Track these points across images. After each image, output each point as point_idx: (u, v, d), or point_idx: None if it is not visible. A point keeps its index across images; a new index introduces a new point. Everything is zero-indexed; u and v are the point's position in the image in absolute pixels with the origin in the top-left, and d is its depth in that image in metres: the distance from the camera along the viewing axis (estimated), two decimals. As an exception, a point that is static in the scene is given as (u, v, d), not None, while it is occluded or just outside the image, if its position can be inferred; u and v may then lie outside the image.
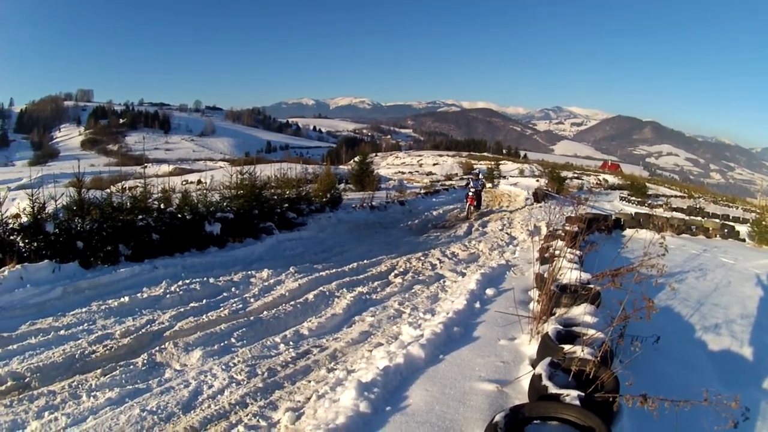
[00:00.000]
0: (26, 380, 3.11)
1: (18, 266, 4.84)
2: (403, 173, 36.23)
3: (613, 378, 2.20)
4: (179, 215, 7.07)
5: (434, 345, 3.30)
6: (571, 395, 2.04)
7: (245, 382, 3.33)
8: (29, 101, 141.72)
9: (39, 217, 5.63)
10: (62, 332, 3.93)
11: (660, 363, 3.14)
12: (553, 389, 2.12)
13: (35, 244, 5.43)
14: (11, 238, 5.35)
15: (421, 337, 3.42)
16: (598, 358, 2.27)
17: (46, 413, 2.78)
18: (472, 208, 11.46)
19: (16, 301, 4.45)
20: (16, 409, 2.80)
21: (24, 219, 5.92)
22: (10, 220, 5.68)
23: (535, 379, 2.27)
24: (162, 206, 7.19)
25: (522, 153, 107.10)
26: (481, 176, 13.91)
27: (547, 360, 2.37)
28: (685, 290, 5.21)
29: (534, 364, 2.75)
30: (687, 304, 4.70)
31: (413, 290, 5.33)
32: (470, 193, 11.51)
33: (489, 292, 4.67)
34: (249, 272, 5.75)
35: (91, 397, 2.99)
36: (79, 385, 3.12)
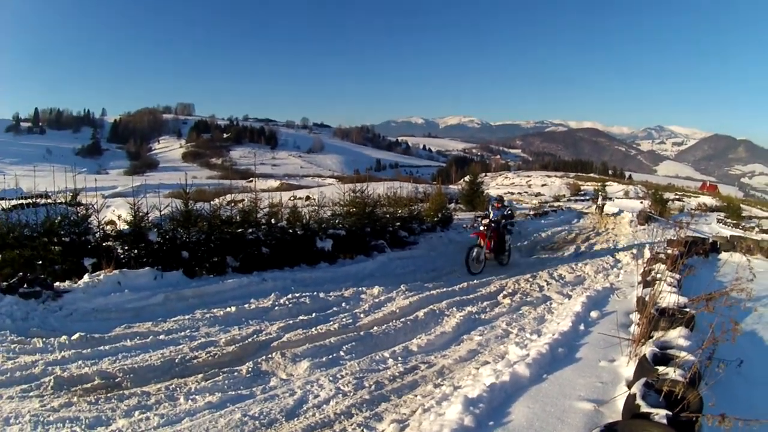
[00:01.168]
0: (116, 380, 5.90)
1: (116, 271, 8.83)
2: (512, 194, 60.61)
3: (698, 398, 4.09)
4: (290, 230, 12.07)
5: (539, 365, 5.86)
6: (660, 414, 3.87)
7: (352, 394, 5.76)
8: (124, 112, 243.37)
9: (141, 225, 10.19)
10: (162, 337, 7.12)
11: (741, 385, 5.35)
12: (644, 408, 3.99)
13: (136, 251, 9.81)
14: (108, 244, 9.77)
15: (526, 357, 6.07)
16: (687, 380, 4.29)
17: (137, 412, 5.26)
18: (485, 252, 13.64)
19: (111, 304, 8.15)
20: (102, 407, 5.38)
21: (121, 226, 10.53)
22: (107, 227, 10.43)
23: (630, 399, 4.26)
24: (272, 221, 12.29)
25: (627, 174, 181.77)
26: (506, 203, 16.78)
27: (642, 380, 4.36)
28: None
29: (630, 385, 4.73)
30: None
31: (521, 311, 9.39)
32: (482, 228, 14.11)
33: (593, 314, 8.25)
34: (360, 288, 10.22)
35: (190, 400, 5.55)
36: (177, 388, 5.80)
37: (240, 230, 11.21)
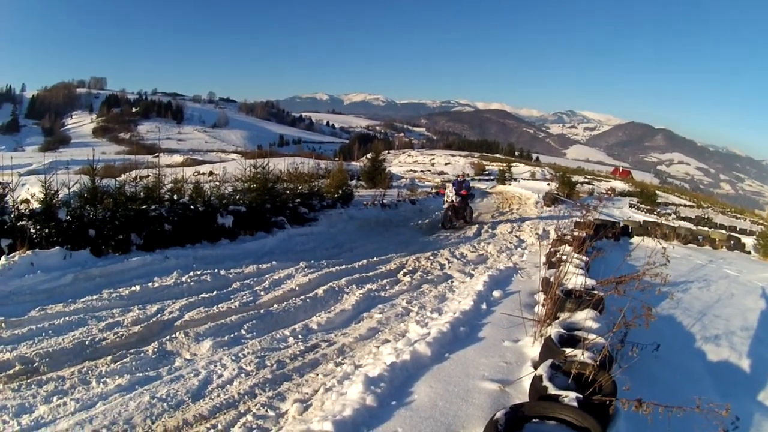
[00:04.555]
0: (35, 365, 5.30)
1: (29, 252, 7.89)
2: (415, 172, 56.33)
3: (611, 382, 3.74)
4: (192, 206, 11.10)
5: (440, 343, 5.53)
6: (570, 397, 3.51)
7: (254, 373, 5.42)
8: (42, 87, 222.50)
9: (51, 203, 9.08)
10: (72, 318, 6.41)
11: (658, 370, 5.16)
12: (552, 390, 3.63)
13: (47, 230, 8.74)
14: (22, 223, 8.65)
15: (427, 336, 5.71)
16: (597, 362, 3.92)
17: (55, 398, 4.76)
18: (450, 215, 16.19)
19: (26, 286, 7.28)
20: (24, 393, 4.84)
21: (35, 205, 9.30)
22: (21, 206, 9.23)
23: (536, 380, 3.86)
24: (175, 197, 11.24)
25: (534, 156, 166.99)
26: (467, 178, 18.38)
27: (549, 362, 4.04)
28: (688, 300, 8.64)
29: (536, 366, 4.45)
30: (689, 314, 7.74)
31: (421, 289, 8.85)
32: (453, 198, 16.35)
33: (496, 294, 7.86)
34: (260, 265, 9.34)
35: (101, 383, 5.04)
36: (89, 371, 5.25)
37: (144, 207, 10.31)
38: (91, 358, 5.63)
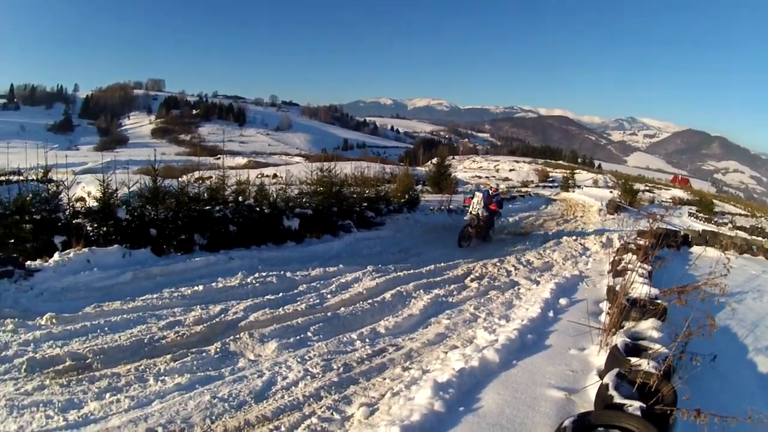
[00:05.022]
0: (87, 361, 5.69)
1: (85, 249, 8.49)
2: (480, 178, 60.47)
3: (672, 392, 4.15)
4: (257, 208, 11.87)
5: (508, 350, 5.91)
6: (634, 406, 3.87)
7: (320, 376, 5.72)
8: (95, 88, 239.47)
9: (110, 202, 9.82)
10: (130, 316, 6.88)
11: (712, 380, 5.44)
12: (618, 399, 4.01)
13: (105, 228, 9.47)
14: (78, 221, 9.38)
15: (495, 342, 6.11)
16: (661, 372, 4.28)
17: (108, 395, 5.10)
18: (470, 231, 14.66)
19: (81, 283, 7.84)
20: (73, 389, 5.19)
21: (91, 203, 10.06)
22: (77, 204, 10.01)
23: (602, 389, 4.25)
24: (240, 198, 12.02)
25: (596, 163, 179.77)
26: (499, 188, 17.60)
27: (615, 371, 4.39)
28: (742, 311, 8.91)
29: (601, 375, 4.87)
30: (743, 325, 8.17)
31: (489, 295, 9.38)
32: (479, 211, 14.96)
33: (562, 301, 8.35)
34: (327, 268, 10.03)
35: (159, 382, 5.38)
36: (147, 369, 5.61)
37: (207, 207, 11.02)
38: (150, 356, 6.01)
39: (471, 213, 14.83)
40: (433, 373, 5.58)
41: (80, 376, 5.47)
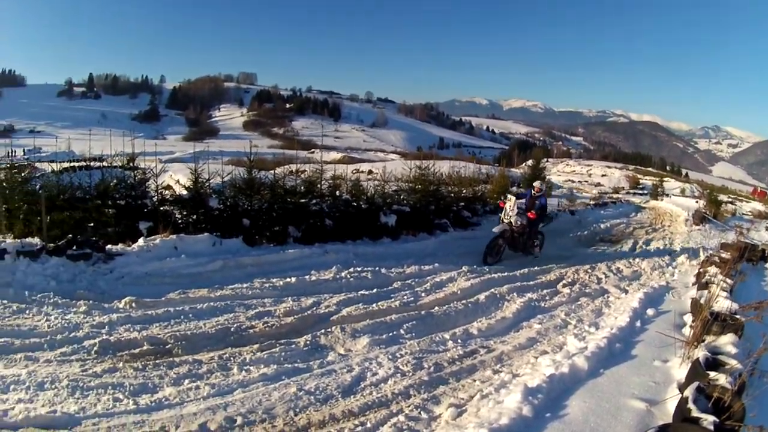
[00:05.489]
0: (167, 347, 6.12)
1: (173, 236, 9.13)
2: (573, 182, 62.84)
3: (742, 408, 4.39)
4: (354, 204, 12.57)
5: (597, 359, 6.17)
6: (708, 420, 4.15)
7: (410, 374, 5.97)
8: (183, 80, 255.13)
9: (201, 191, 10.52)
10: (217, 304, 7.38)
11: None
12: (695, 413, 4.29)
13: (194, 216, 10.17)
14: (165, 208, 10.11)
15: (585, 350, 6.41)
16: (735, 388, 4.58)
17: (186, 381, 5.44)
18: (500, 243, 12.88)
19: (167, 269, 8.46)
20: (149, 373, 5.59)
21: (179, 191, 10.83)
22: (165, 192, 10.80)
23: (682, 402, 4.52)
24: (336, 193, 12.77)
25: (683, 171, 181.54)
26: (542, 189, 14.72)
27: (695, 385, 4.67)
28: None
29: (681, 388, 5.15)
30: None
31: (579, 302, 9.83)
32: (513, 218, 13.05)
33: (649, 311, 8.59)
34: (422, 267, 10.68)
35: (243, 371, 5.71)
36: (231, 358, 5.97)
37: (303, 201, 11.74)
38: (235, 345, 6.42)
39: (503, 221, 13.11)
40: (523, 377, 5.86)
41: (158, 361, 5.91)
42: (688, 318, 7.83)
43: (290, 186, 12.21)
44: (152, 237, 9.31)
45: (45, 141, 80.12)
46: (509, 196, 13.54)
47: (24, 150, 70.49)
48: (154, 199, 10.68)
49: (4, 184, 13.51)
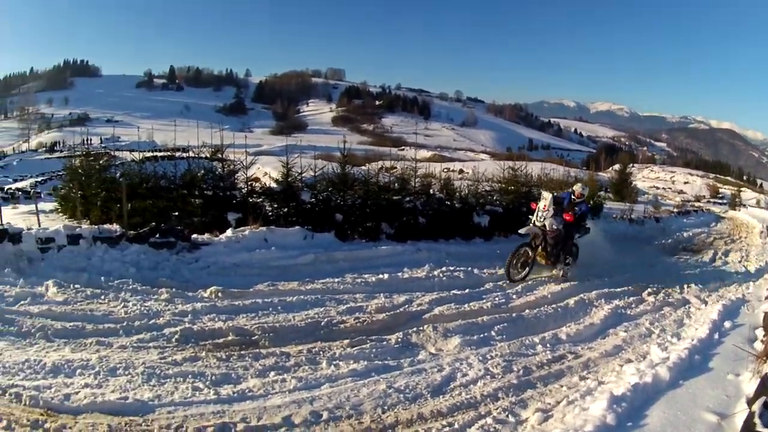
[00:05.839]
0: (253, 338, 6.35)
1: (263, 228, 9.45)
2: (657, 188, 68.74)
3: None
4: (448, 202, 12.87)
5: (678, 369, 6.26)
6: None
7: (500, 377, 6.05)
8: (270, 74, 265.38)
9: (293, 184, 10.98)
10: (308, 297, 7.65)
11: None
12: (759, 428, 4.42)
13: (285, 209, 10.57)
14: (254, 200, 10.51)
15: (667, 360, 6.53)
16: None
17: (272, 373, 5.60)
18: (527, 251, 11.23)
19: (256, 260, 8.79)
20: (233, 364, 5.77)
21: (269, 184, 11.22)
22: (256, 184, 11.26)
23: (749, 417, 4.69)
24: (431, 191, 13.16)
25: (758, 182, 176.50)
26: (584, 190, 13.01)
27: (762, 400, 4.75)
28: None
29: (749, 402, 5.24)
30: None
31: (663, 311, 9.85)
32: (546, 219, 11.49)
33: (726, 324, 8.56)
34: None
35: (332, 366, 5.85)
36: (320, 352, 6.13)
37: (396, 198, 12.11)
38: (325, 339, 6.61)
39: (534, 223, 11.55)
40: (608, 385, 5.97)
41: (243, 352, 6.12)
42: (760, 332, 7.96)
43: (384, 182, 12.76)
44: (241, 228, 9.69)
45: (123, 130, 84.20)
46: (545, 194, 11.93)
47: (101, 138, 74.84)
48: (243, 190, 11.12)
49: (80, 171, 14.36)
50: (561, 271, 11.58)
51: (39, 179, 51.70)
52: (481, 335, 7.20)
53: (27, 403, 4.86)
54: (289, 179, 11.36)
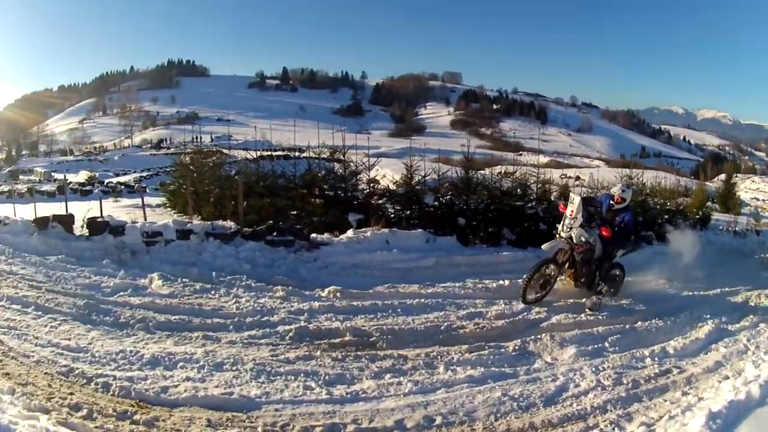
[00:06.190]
0: (371, 339, 6.48)
1: (385, 230, 9.64)
2: (758, 200, 64.73)
3: None
4: None
5: None
6: None
7: (610, 389, 6.03)
8: (387, 77, 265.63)
9: (415, 187, 11.19)
10: (428, 301, 7.74)
11: None
12: None
13: (408, 212, 10.76)
14: (375, 201, 10.74)
15: (758, 377, 6.32)
16: None
17: (388, 375, 5.70)
18: (547, 271, 8.99)
19: (376, 262, 8.98)
20: (348, 364, 5.91)
21: (389, 186, 11.42)
22: (376, 186, 11.45)
23: None
24: (552, 198, 12.94)
25: None
26: (625, 194, 9.82)
27: None
28: None
29: None
30: None
31: (758, 327, 9.23)
32: (573, 229, 9.21)
33: None
34: (627, 278, 10.29)
35: (449, 371, 5.92)
36: (438, 357, 6.22)
37: (519, 203, 12.21)
38: (444, 343, 6.69)
39: (560, 234, 9.37)
40: (707, 401, 5.87)
41: (359, 353, 6.26)
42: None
43: (507, 188, 12.73)
44: (362, 229, 9.94)
45: (235, 129, 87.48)
46: (572, 196, 9.71)
47: (212, 136, 78.04)
48: (365, 192, 11.39)
49: (191, 167, 14.93)
50: (591, 301, 8.88)
51: (144, 174, 55.37)
52: (596, 346, 7.22)
53: (116, 393, 5.04)
54: (412, 182, 11.56)
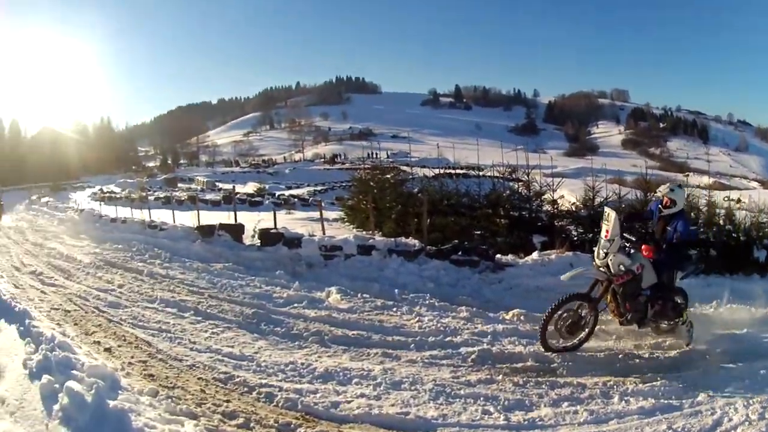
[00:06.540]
0: (552, 366, 6.12)
1: (569, 253, 9.07)
2: None
3: None
4: (734, 235, 11.45)
5: None
6: None
7: (755, 423, 5.27)
8: (558, 94, 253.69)
9: (596, 209, 10.41)
10: (609, 327, 7.06)
11: None
12: None
13: (591, 234, 9.97)
14: (558, 223, 10.22)
15: None
16: None
17: (565, 404, 5.34)
18: (582, 311, 6.82)
19: (560, 286, 8.05)
20: (528, 390, 5.56)
21: (569, 207, 10.91)
22: (559, 207, 10.90)
23: None
24: (721, 222, 11.81)
25: None
26: (674, 194, 7.18)
27: None
28: None
29: None
30: None
31: None
32: (616, 260, 6.77)
33: None
34: None
35: (623, 401, 5.47)
36: (614, 386, 5.77)
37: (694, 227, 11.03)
38: (620, 374, 6.21)
39: (595, 262, 7.14)
40: None
41: (540, 379, 5.89)
42: None
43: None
44: (547, 252, 9.51)
45: (411, 146, 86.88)
46: (607, 211, 7.19)
47: (387, 153, 78.58)
48: (549, 213, 10.95)
49: (372, 183, 14.85)
50: (685, 338, 7.07)
51: (318, 188, 55.40)
52: (749, 380, 6.26)
53: (280, 404, 4.94)
54: (594, 204, 10.90)
